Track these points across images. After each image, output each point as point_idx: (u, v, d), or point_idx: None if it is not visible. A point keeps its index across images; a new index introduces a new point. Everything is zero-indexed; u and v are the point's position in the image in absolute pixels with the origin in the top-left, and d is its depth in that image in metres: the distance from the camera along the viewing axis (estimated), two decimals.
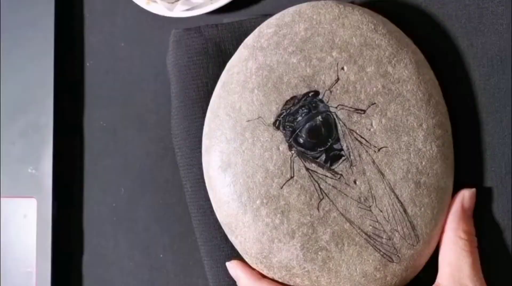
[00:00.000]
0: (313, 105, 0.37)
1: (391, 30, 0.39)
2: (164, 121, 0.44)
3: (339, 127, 0.37)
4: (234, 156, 0.37)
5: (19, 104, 0.46)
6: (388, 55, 0.38)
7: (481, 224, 0.38)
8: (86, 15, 0.47)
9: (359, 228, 0.37)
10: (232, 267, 0.39)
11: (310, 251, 0.37)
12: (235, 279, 0.39)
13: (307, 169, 0.37)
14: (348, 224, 0.37)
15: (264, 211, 0.37)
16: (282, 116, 0.37)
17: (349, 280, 0.37)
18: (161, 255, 0.44)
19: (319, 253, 0.37)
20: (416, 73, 0.38)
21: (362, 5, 0.40)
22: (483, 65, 0.40)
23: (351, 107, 0.37)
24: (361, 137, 0.37)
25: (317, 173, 0.37)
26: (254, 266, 0.38)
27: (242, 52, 0.39)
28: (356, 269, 0.37)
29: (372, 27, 0.38)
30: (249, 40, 0.39)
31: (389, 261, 0.37)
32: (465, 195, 0.38)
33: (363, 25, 0.38)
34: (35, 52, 0.46)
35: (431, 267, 0.38)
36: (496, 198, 0.39)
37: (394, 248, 0.37)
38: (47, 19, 0.46)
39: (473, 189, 0.38)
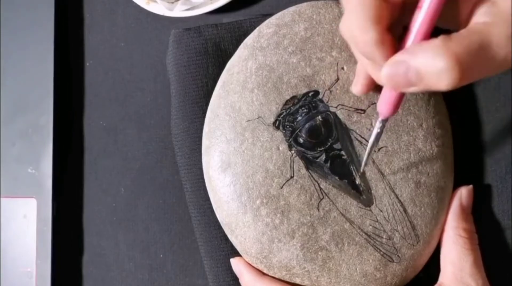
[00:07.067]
0: (313, 105, 0.37)
1: None
2: (164, 121, 0.44)
3: (339, 127, 0.37)
4: (234, 156, 0.37)
5: (19, 104, 0.46)
6: None
7: (482, 224, 0.38)
8: (86, 15, 0.47)
9: (359, 228, 0.37)
10: (236, 263, 0.39)
11: (310, 251, 0.37)
12: (238, 275, 0.39)
13: (307, 169, 0.37)
14: (348, 224, 0.37)
15: (264, 211, 0.37)
16: (282, 116, 0.37)
17: (349, 280, 0.37)
18: (161, 255, 0.44)
19: (319, 253, 0.37)
20: None
21: None
22: None
23: (351, 107, 0.37)
24: (361, 137, 0.37)
25: (317, 173, 0.37)
26: (254, 266, 0.38)
27: (242, 52, 0.39)
28: (356, 269, 0.37)
29: None
30: (249, 40, 0.39)
31: (389, 261, 0.37)
32: (463, 193, 0.38)
33: None
34: (35, 52, 0.46)
35: (432, 266, 0.38)
36: (496, 197, 0.39)
37: (394, 248, 0.37)
38: (47, 19, 0.46)
39: (470, 186, 0.38)
